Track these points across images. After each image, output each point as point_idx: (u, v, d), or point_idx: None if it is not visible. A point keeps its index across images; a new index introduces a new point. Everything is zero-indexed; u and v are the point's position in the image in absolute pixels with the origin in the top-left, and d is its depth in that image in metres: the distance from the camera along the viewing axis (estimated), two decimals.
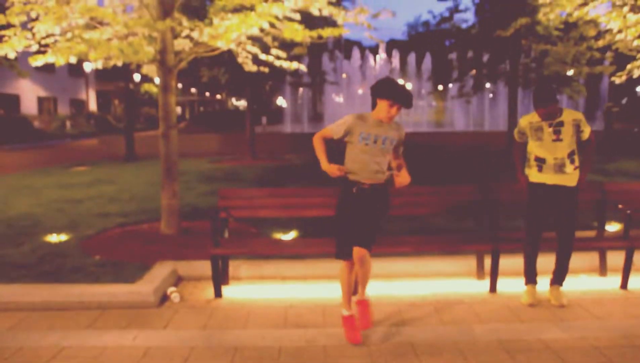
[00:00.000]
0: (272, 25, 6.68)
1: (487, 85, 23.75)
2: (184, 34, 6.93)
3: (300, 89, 32.03)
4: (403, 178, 4.14)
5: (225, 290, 5.34)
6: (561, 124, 4.59)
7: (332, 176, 4.11)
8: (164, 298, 5.14)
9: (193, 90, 59.38)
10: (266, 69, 7.56)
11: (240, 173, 13.46)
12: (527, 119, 4.77)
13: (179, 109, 62.45)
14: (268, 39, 7.48)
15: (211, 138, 20.92)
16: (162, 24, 6.05)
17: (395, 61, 37.82)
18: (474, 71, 18.68)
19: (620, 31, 6.88)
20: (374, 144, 4.05)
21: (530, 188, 4.78)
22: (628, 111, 35.32)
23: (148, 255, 6.16)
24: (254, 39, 7.46)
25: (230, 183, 11.78)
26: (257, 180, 12.13)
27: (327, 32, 6.73)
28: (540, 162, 4.67)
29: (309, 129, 29.67)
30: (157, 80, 6.92)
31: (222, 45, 6.55)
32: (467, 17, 49.12)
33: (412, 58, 35.52)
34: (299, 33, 6.58)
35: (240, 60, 7.45)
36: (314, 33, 6.72)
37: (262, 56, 7.26)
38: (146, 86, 44.79)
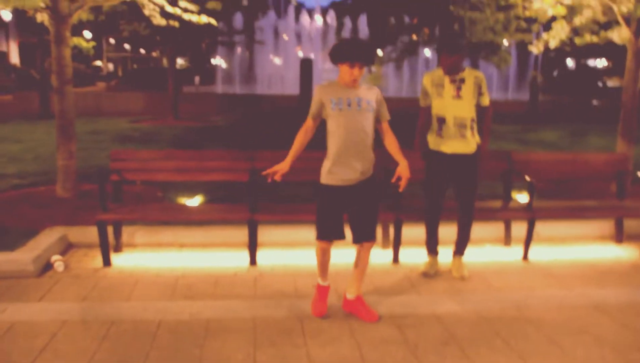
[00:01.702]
0: None
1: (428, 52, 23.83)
2: None
3: (238, 50, 31.15)
4: (405, 173, 3.84)
5: (117, 258, 5.02)
6: (462, 81, 4.45)
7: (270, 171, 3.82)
8: (48, 267, 4.75)
9: (127, 46, 56.99)
10: (176, 23, 7.07)
11: (159, 134, 12.90)
12: (429, 76, 4.60)
13: (110, 66, 59.86)
14: None
15: (137, 96, 19.97)
16: None
17: (333, 22, 37.26)
18: (413, 35, 18.59)
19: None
20: (348, 108, 3.66)
21: (429, 157, 4.62)
22: (558, 82, 36.37)
23: (38, 220, 5.73)
24: None
25: (146, 143, 11.25)
26: (174, 142, 11.65)
27: None
28: (441, 122, 4.49)
29: (241, 90, 29.00)
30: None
31: None
32: None
33: (349, 21, 35.09)
34: None
35: (146, 12, 6.93)
36: None
37: (169, 8, 6.76)
38: (75, 40, 42.52)
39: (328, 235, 3.81)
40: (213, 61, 39.39)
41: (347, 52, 3.64)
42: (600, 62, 52.74)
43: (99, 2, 6.47)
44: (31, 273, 4.57)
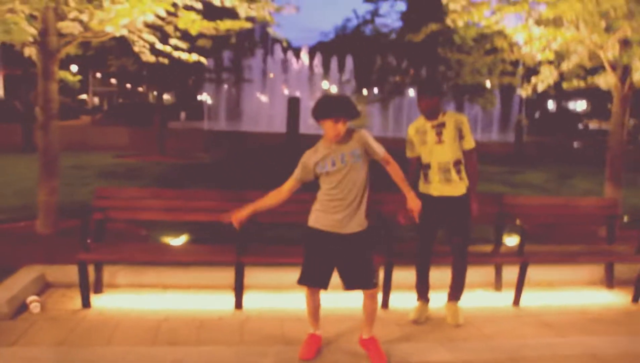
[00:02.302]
0: (171, 13, 6.20)
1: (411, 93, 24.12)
2: (71, 15, 6.30)
3: (225, 86, 31.33)
4: (413, 204, 3.85)
5: (98, 299, 4.83)
6: (443, 125, 4.45)
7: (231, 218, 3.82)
8: (23, 308, 4.55)
9: (113, 81, 57.04)
10: (165, 60, 7.02)
11: (144, 170, 12.76)
12: (413, 126, 4.62)
13: (96, 100, 59.79)
14: (169, 28, 6.95)
15: (122, 131, 19.88)
16: (39, 2, 5.42)
17: (319, 62, 37.75)
18: (398, 77, 18.83)
19: (525, 44, 6.89)
20: (333, 168, 3.63)
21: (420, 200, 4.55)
22: (540, 124, 36.95)
23: (16, 257, 5.53)
24: (153, 27, 6.92)
25: (130, 180, 11.10)
26: (159, 178, 11.50)
27: (226, 25, 6.31)
28: (427, 169, 4.50)
29: (227, 127, 29.01)
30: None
31: (111, 30, 5.99)
32: (389, 22, 49.61)
33: (335, 61, 35.57)
34: (195, 24, 6.13)
35: (136, 49, 6.88)
36: (212, 24, 6.28)
37: (159, 46, 6.72)
38: (61, 74, 42.38)
39: (308, 280, 3.75)
40: (199, 97, 39.55)
41: (330, 108, 3.63)
42: (580, 105, 53.88)
43: (88, 38, 6.41)
44: (5, 315, 4.37)
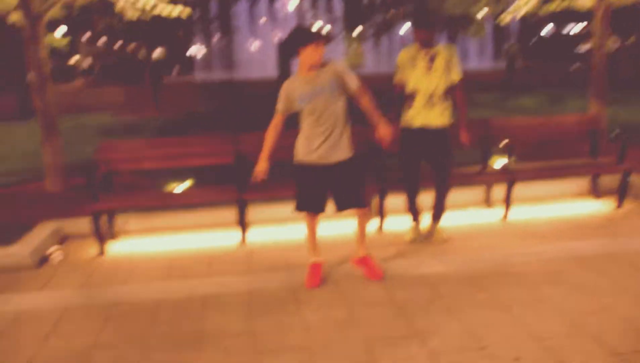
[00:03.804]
0: None
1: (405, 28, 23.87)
2: None
3: (215, 36, 30.99)
4: (384, 132, 3.91)
5: (112, 245, 5.15)
6: (435, 55, 4.61)
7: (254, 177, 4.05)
8: (45, 259, 4.89)
9: (103, 40, 56.22)
10: (147, 17, 7.12)
11: (142, 126, 12.96)
12: (405, 51, 4.73)
13: (88, 61, 59.08)
14: None
15: (117, 90, 19.95)
16: None
17: (308, 3, 37.06)
18: (391, 11, 18.65)
19: None
20: (311, 99, 3.82)
21: (402, 132, 4.74)
22: (536, 49, 36.60)
23: (32, 215, 5.82)
24: None
25: (129, 135, 11.32)
26: (158, 132, 11.72)
27: None
28: (413, 93, 4.62)
29: (219, 77, 28.89)
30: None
31: None
32: None
33: (323, 1, 34.95)
34: None
35: (118, 7, 6.97)
36: None
37: (141, 2, 6.81)
38: (49, 38, 41.89)
39: (305, 207, 4.04)
40: (190, 50, 39.13)
41: (308, 34, 3.82)
42: (577, 28, 53.02)
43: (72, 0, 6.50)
44: (29, 265, 4.71)
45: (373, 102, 3.98)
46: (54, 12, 6.53)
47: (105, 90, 20.60)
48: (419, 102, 4.61)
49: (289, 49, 3.89)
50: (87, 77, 41.97)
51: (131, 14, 7.06)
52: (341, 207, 4.05)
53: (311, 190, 4.01)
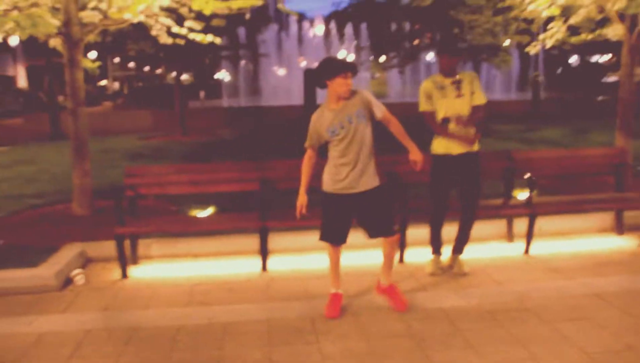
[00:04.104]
0: None
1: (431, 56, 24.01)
2: (91, 5, 6.61)
3: (241, 63, 31.51)
4: (416, 158, 4.09)
5: (134, 270, 5.23)
6: (460, 81, 4.68)
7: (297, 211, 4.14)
8: (68, 281, 4.98)
9: (131, 64, 57.48)
10: (182, 42, 7.31)
11: (168, 150, 13.16)
12: (430, 80, 4.79)
13: (116, 85, 60.42)
14: (184, 10, 7.22)
15: (144, 113, 20.35)
16: None
17: (334, 32, 37.59)
18: (416, 41, 18.82)
19: (531, 1, 6.98)
20: (343, 130, 3.90)
21: (435, 160, 4.78)
22: (562, 79, 36.37)
23: (58, 237, 5.95)
24: (169, 10, 7.19)
25: (156, 159, 11.50)
26: (184, 156, 11.89)
27: (238, 3, 6.56)
28: (445, 122, 4.66)
29: (245, 103, 29.29)
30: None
31: (129, 17, 6.31)
32: None
33: (350, 29, 35.41)
34: (208, 4, 6.40)
35: (153, 32, 7.18)
36: (225, 4, 6.53)
37: (175, 28, 7.01)
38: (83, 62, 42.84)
39: (329, 237, 4.08)
40: (217, 75, 39.80)
41: (338, 65, 3.91)
42: (603, 59, 52.66)
43: (108, 25, 6.72)
44: (54, 287, 4.80)
45: (402, 127, 4.07)
46: (91, 37, 6.74)
47: (133, 113, 21.03)
48: (453, 130, 4.64)
49: (317, 81, 3.96)
50: (116, 101, 42.82)
51: (164, 40, 7.25)
52: (373, 234, 4.09)
53: (337, 220, 4.05)
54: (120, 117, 20.69)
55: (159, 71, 59.06)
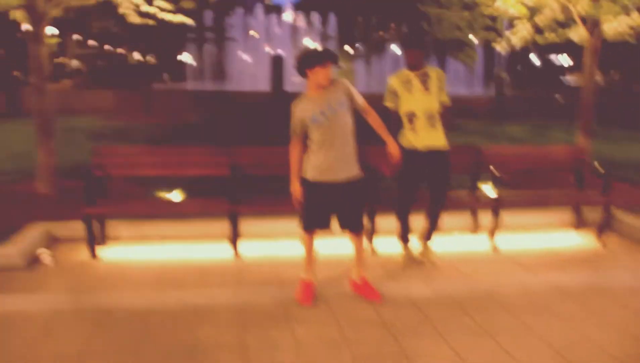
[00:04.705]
0: None
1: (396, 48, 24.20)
2: None
3: (206, 46, 31.06)
4: (393, 151, 4.23)
5: (103, 251, 5.16)
6: (427, 75, 4.74)
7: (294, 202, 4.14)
8: (35, 260, 4.89)
9: (91, 42, 56.00)
10: (151, 22, 7.20)
11: (132, 131, 12.95)
12: (395, 76, 4.85)
13: (76, 63, 58.78)
14: None
15: (106, 93, 19.85)
16: None
17: (302, 20, 37.42)
18: (380, 33, 18.93)
19: None
20: (324, 117, 3.93)
21: (403, 154, 4.85)
22: (523, 78, 37.13)
23: (21, 216, 5.81)
24: None
25: (119, 140, 11.32)
26: (148, 139, 11.71)
27: None
28: (411, 117, 4.71)
29: (211, 87, 28.94)
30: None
31: None
32: None
33: (317, 18, 35.33)
34: None
35: (121, 10, 7.04)
36: None
37: (145, 7, 6.90)
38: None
39: (313, 224, 4.12)
40: (179, 57, 39.13)
41: (317, 55, 3.97)
42: (563, 58, 54.01)
43: (77, 2, 6.56)
44: (19, 266, 4.71)
45: (380, 119, 4.19)
46: (56, 12, 6.57)
47: (94, 93, 20.48)
48: (420, 124, 4.70)
49: (298, 69, 3.99)
50: (75, 79, 41.68)
51: (133, 19, 7.12)
52: (343, 226, 4.16)
53: (320, 208, 4.10)
54: (81, 96, 20.08)
55: (120, 50, 57.74)
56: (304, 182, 4.10)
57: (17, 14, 6.93)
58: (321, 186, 4.04)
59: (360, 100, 4.11)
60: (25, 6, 6.23)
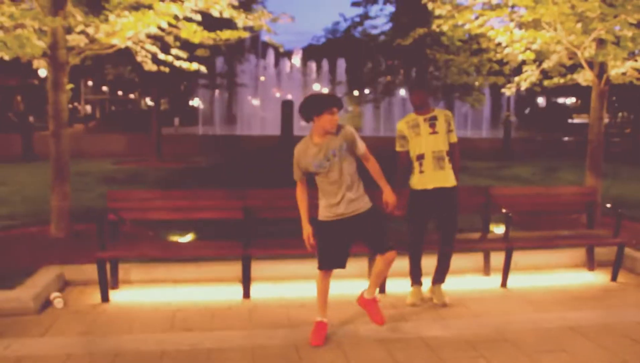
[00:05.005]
0: (172, 25, 6.56)
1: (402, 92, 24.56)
2: (78, 29, 6.65)
3: (216, 91, 31.64)
4: (389, 199, 4.28)
5: (114, 294, 5.18)
6: (435, 118, 4.86)
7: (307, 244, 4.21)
8: (47, 304, 4.91)
9: (104, 88, 57.17)
10: (166, 69, 7.39)
11: (143, 175, 13.11)
12: (403, 121, 4.98)
13: (89, 108, 59.90)
14: (169, 39, 7.31)
15: (118, 138, 20.20)
16: (52, 21, 5.79)
17: (311, 65, 38.11)
18: (388, 78, 19.22)
19: (507, 46, 7.28)
20: (327, 163, 4.03)
21: (412, 195, 4.93)
22: (530, 120, 37.40)
23: (34, 260, 5.86)
24: (154, 38, 7.28)
25: (131, 184, 11.44)
26: (159, 182, 11.85)
27: (226, 35, 6.69)
28: (421, 158, 4.82)
29: (221, 131, 29.35)
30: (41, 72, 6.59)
31: (117, 42, 6.37)
32: (379, 23, 50.18)
33: (326, 63, 35.95)
34: (196, 34, 6.52)
35: (139, 59, 7.25)
36: (213, 35, 6.66)
37: (161, 56, 7.09)
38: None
39: (328, 264, 4.14)
40: (191, 102, 39.83)
41: (324, 100, 4.08)
42: (570, 101, 54.42)
43: (95, 50, 6.76)
44: (31, 310, 4.72)
45: (379, 167, 4.26)
46: (76, 60, 6.77)
47: (106, 137, 20.84)
48: (428, 165, 4.79)
49: (304, 116, 4.07)
50: (88, 124, 42.37)
51: (149, 66, 7.31)
52: (380, 250, 4.20)
53: (335, 246, 4.14)
54: (93, 141, 20.44)
55: (132, 95, 58.86)
56: (317, 223, 4.14)
57: (41, 63, 7.16)
58: (333, 224, 4.10)
59: (362, 147, 4.18)
60: (48, 55, 6.43)
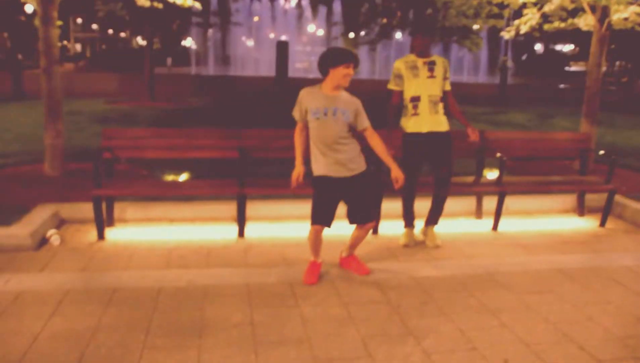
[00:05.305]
0: None
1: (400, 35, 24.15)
2: None
3: (209, 31, 30.99)
4: (397, 176, 4.19)
5: (110, 232, 5.22)
6: (434, 63, 4.85)
7: (293, 181, 4.16)
8: (44, 241, 4.95)
9: (94, 26, 55.91)
10: (160, 5, 7.21)
11: (136, 115, 13.00)
12: (402, 60, 4.93)
13: (78, 47, 58.75)
14: None
15: (110, 77, 19.93)
16: None
17: (305, 4, 37.25)
18: (384, 20, 18.85)
19: None
20: (324, 117, 3.99)
21: (406, 138, 4.93)
22: (527, 66, 37.05)
23: (29, 198, 5.88)
24: None
25: (124, 124, 11.36)
26: (153, 122, 11.76)
27: None
28: (416, 101, 4.81)
29: (214, 72, 28.93)
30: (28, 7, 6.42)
31: None
32: None
33: (322, 4, 35.13)
34: None
35: None
36: None
37: None
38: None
39: (320, 220, 4.13)
40: (183, 42, 39.03)
41: (343, 54, 4.01)
42: (568, 47, 53.76)
43: None
44: (28, 246, 4.76)
45: (383, 144, 4.21)
46: None
47: (97, 76, 20.55)
48: (423, 108, 4.79)
49: (320, 67, 4.03)
50: (77, 63, 41.66)
51: (142, 2, 7.14)
52: (353, 221, 4.21)
53: (327, 203, 4.13)
54: (84, 80, 20.14)
55: (123, 34, 57.58)
56: (313, 178, 4.16)
57: None
58: (324, 180, 4.09)
59: (365, 121, 4.15)
60: None
